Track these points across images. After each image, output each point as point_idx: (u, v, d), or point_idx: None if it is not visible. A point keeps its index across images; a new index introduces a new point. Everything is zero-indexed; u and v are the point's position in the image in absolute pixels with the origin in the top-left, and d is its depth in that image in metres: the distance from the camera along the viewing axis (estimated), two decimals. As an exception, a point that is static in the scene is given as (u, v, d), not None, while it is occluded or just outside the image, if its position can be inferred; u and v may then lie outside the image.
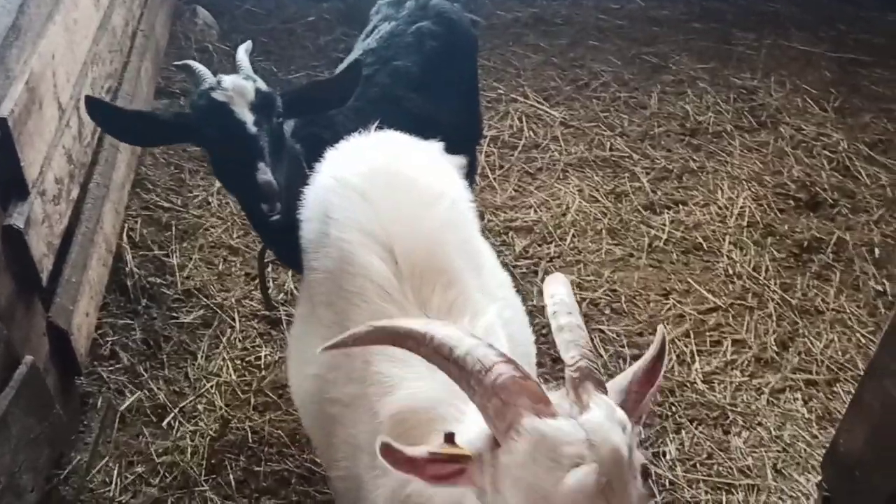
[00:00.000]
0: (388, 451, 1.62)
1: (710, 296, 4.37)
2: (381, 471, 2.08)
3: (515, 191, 5.02)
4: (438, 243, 2.43)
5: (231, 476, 3.50)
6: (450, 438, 1.68)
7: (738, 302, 4.35)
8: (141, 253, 4.40)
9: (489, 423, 1.66)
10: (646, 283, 4.43)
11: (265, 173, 2.89)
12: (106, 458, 3.54)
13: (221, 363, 3.96)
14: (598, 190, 5.02)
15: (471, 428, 1.80)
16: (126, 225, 4.48)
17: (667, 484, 3.49)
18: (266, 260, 3.96)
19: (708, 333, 4.19)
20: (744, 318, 4.26)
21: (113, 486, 3.44)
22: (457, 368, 1.69)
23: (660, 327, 1.93)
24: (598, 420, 1.60)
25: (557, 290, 1.90)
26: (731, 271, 4.51)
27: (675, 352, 4.07)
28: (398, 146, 2.87)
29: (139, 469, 3.52)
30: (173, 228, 4.58)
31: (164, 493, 3.43)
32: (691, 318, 4.25)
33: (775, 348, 4.10)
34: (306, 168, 3.00)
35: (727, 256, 4.59)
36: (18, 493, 2.86)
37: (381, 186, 2.56)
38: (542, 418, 1.59)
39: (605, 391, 1.71)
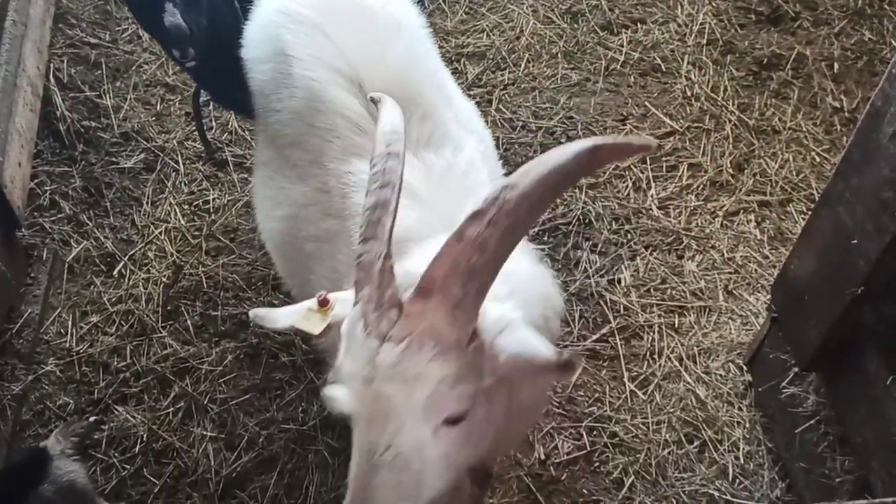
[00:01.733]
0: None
1: (667, 119, 4.28)
2: None
3: (466, 14, 4.75)
4: (407, 75, 2.33)
5: (189, 322, 3.48)
6: (324, 303, 1.72)
7: (696, 125, 4.27)
8: (71, 95, 4.13)
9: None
10: (602, 109, 4.32)
11: (173, 15, 2.62)
12: (58, 310, 3.49)
13: (168, 209, 3.84)
14: (553, 10, 4.77)
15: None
16: (52, 65, 4.18)
17: (621, 310, 3.55)
18: (202, 99, 3.75)
19: (664, 159, 4.14)
20: (700, 142, 4.20)
21: (69, 336, 3.41)
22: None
23: None
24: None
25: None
26: (689, 93, 4.40)
27: (630, 179, 4.04)
28: None
29: (94, 319, 3.48)
30: (103, 66, 4.29)
31: (121, 342, 3.41)
32: (648, 143, 4.17)
33: (731, 171, 4.08)
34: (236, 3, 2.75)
35: (685, 77, 4.46)
36: (-32, 353, 2.81)
37: (339, 19, 2.42)
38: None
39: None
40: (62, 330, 3.43)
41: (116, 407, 3.23)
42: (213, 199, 3.88)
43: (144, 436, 3.15)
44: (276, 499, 3.02)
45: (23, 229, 3.54)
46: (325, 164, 2.30)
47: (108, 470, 3.07)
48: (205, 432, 3.18)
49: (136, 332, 3.45)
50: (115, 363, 3.35)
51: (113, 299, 3.54)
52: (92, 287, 3.58)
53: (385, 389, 1.51)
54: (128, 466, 3.07)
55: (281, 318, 1.78)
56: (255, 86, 2.59)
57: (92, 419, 3.12)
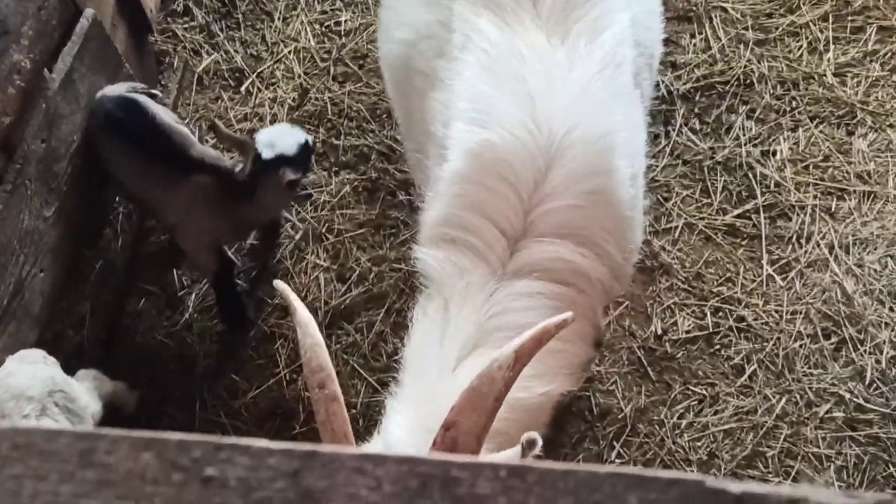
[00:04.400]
0: None
1: (862, -29, 3.69)
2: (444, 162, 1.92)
3: None
4: None
5: (315, 145, 3.39)
6: None
7: (895, -19, 3.67)
8: None
9: None
10: (786, -46, 3.76)
11: None
12: (186, 121, 3.45)
13: (299, 27, 3.68)
14: None
15: None
16: None
17: (772, 185, 3.21)
18: None
19: (850, 18, 3.60)
20: (897, 2, 3.62)
21: (194, 149, 3.39)
22: None
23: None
24: None
25: None
26: (893, -58, 3.76)
27: (807, 38, 3.55)
28: None
29: (219, 133, 3.44)
30: None
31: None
32: (834, -2, 3.64)
33: (928, 39, 3.51)
34: None
35: (892, -77, 3.80)
36: (94, 153, 2.82)
37: None
38: None
39: None
40: (188, 141, 3.42)
41: (235, 224, 3.23)
42: (346, 21, 3.69)
43: (262, 259, 3.16)
44: (382, 335, 2.99)
45: (155, 34, 3.48)
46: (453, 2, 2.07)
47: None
48: (318, 261, 3.15)
49: (259, 152, 3.40)
50: (237, 181, 3.33)
51: (239, 116, 3.48)
52: (219, 101, 3.53)
53: None
54: (244, 285, 3.10)
55: None
56: None
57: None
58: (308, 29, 3.66)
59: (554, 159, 1.81)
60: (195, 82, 3.56)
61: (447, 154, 1.92)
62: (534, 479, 0.50)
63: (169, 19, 3.66)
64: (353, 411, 2.83)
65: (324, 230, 3.21)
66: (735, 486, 0.49)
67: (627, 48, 2.01)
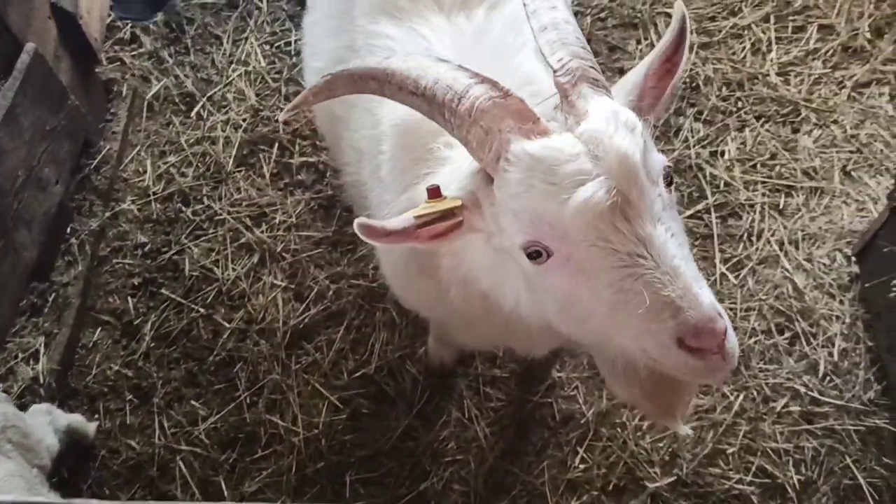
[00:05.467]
0: (368, 230, 1.42)
1: (800, -28, 3.76)
2: (383, 184, 1.91)
3: None
4: None
5: (265, 168, 3.40)
6: (435, 193, 1.45)
7: (833, -20, 3.74)
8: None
9: (475, 157, 1.44)
10: (726, -42, 3.83)
11: None
12: (137, 148, 3.46)
13: (249, 49, 3.69)
14: None
15: (460, 164, 1.57)
16: None
17: (721, 185, 3.25)
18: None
19: (791, 18, 3.67)
20: (836, 0, 3.69)
21: (146, 176, 3.38)
22: (426, 102, 1.43)
23: (678, 4, 1.57)
24: (598, 127, 1.35)
25: None
26: (829, -58, 3.84)
27: (749, 39, 3.61)
28: None
29: (171, 159, 3.43)
30: None
31: (197, 182, 3.37)
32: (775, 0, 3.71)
33: (868, 35, 3.58)
34: None
35: (828, -77, 3.88)
36: (42, 186, 2.81)
37: None
38: (532, 139, 1.35)
39: (606, 91, 1.44)
40: (140, 168, 3.41)
41: (191, 247, 3.23)
42: (296, 41, 3.70)
43: (219, 283, 3.14)
44: (342, 353, 2.99)
45: (102, 63, 3.47)
46: (355, 18, 2.07)
47: (181, 311, 3.10)
48: (275, 281, 3.15)
49: (212, 175, 3.40)
50: (192, 206, 3.32)
51: (191, 140, 3.47)
52: (171, 126, 3.52)
53: (621, 148, 1.33)
54: (201, 310, 3.09)
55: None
56: None
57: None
58: (258, 50, 3.67)
59: None
60: (145, 108, 3.55)
61: (381, 147, 1.92)
62: None
63: (116, 48, 3.64)
64: (316, 431, 2.83)
65: (280, 250, 3.21)
66: None
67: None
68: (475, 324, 1.96)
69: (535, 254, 1.39)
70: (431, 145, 1.72)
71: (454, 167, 1.63)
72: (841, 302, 2.97)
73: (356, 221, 1.43)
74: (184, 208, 3.32)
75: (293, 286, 3.14)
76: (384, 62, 1.48)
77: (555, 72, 1.42)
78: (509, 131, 1.36)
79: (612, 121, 1.35)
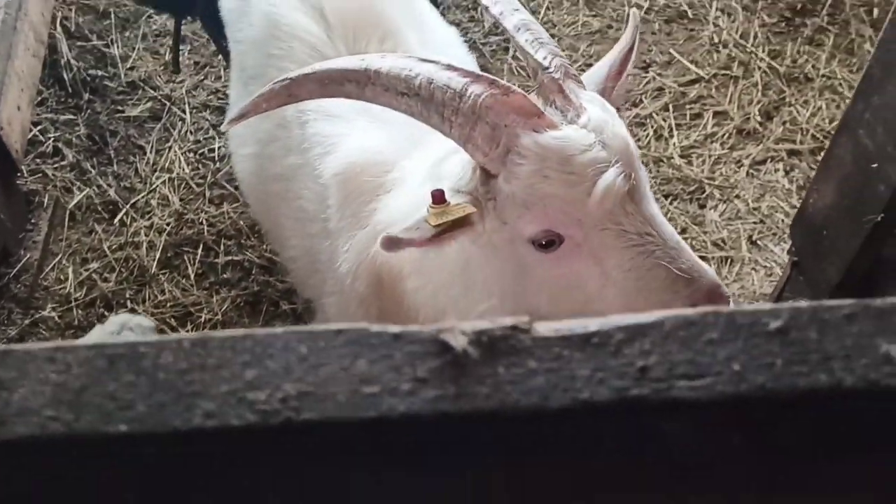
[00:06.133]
0: (391, 242, 1.45)
1: (692, 66, 4.07)
2: (334, 235, 1.96)
3: (485, -39, 4.57)
4: None
5: (189, 269, 3.41)
6: (439, 198, 1.47)
7: (723, 72, 4.05)
8: (78, 44, 4.07)
9: (477, 154, 1.47)
10: (624, 56, 4.12)
11: None
12: (59, 256, 3.44)
13: (173, 157, 3.77)
14: (575, -43, 4.57)
15: (442, 172, 1.62)
16: (59, 14, 4.12)
17: (636, 259, 3.38)
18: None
19: (688, 106, 3.94)
20: (727, 89, 3.98)
21: (68, 283, 3.36)
22: (420, 102, 1.45)
23: (633, 11, 1.75)
24: (601, 117, 1.46)
25: None
26: (716, 39, 4.18)
27: (652, 126, 3.85)
28: None
29: (94, 265, 3.42)
30: (112, 16, 4.22)
31: (120, 287, 3.35)
32: (671, 91, 3.98)
33: (759, 119, 3.86)
34: None
35: (713, 24, 4.24)
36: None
37: None
38: (541, 132, 1.42)
39: (584, 87, 1.56)
40: (61, 276, 3.39)
41: (113, 353, 3.17)
42: (219, 148, 3.80)
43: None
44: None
45: (24, 175, 3.50)
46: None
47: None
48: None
49: (136, 279, 3.39)
50: (115, 310, 3.29)
51: (114, 246, 3.48)
52: (93, 234, 3.53)
53: (623, 134, 1.47)
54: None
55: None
56: (224, 16, 2.50)
57: None
58: (182, 158, 3.75)
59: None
60: (67, 218, 3.56)
61: (328, 201, 1.97)
62: (215, 344, 0.54)
63: (38, 160, 3.69)
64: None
65: (206, 349, 3.17)
66: (394, 329, 0.54)
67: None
68: None
69: (549, 243, 1.45)
70: (380, 181, 1.79)
71: (407, 186, 1.69)
72: (759, 361, 3.05)
73: (383, 235, 1.45)
74: (106, 313, 3.29)
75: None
76: (364, 61, 1.48)
77: (545, 69, 1.51)
78: (516, 125, 1.42)
79: (607, 110, 1.45)
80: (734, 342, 0.49)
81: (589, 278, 1.47)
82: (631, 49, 1.70)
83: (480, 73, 1.47)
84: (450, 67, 1.45)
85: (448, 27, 2.52)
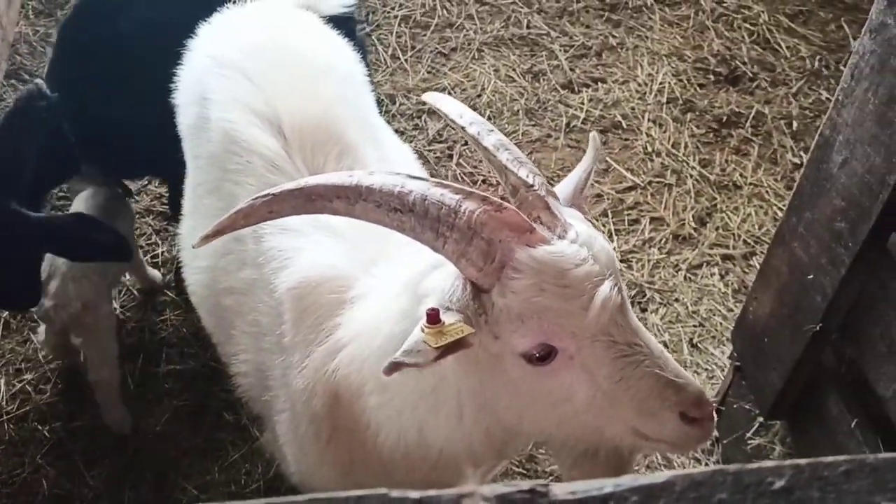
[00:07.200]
0: (394, 367, 1.44)
1: (628, 174, 4.25)
2: (288, 350, 1.93)
3: (428, 72, 4.75)
4: (330, 115, 2.24)
5: (129, 380, 3.31)
6: (434, 317, 1.45)
7: (657, 180, 4.24)
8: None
9: (470, 269, 1.48)
10: (563, 164, 4.28)
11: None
12: (-8, 367, 3.31)
13: (115, 263, 3.70)
14: (514, 69, 4.78)
15: (424, 288, 1.61)
16: None
17: (583, 363, 3.43)
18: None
19: (626, 212, 4.09)
20: (662, 196, 4.16)
21: (0, 394, 3.22)
22: (414, 218, 1.46)
23: (593, 135, 1.85)
24: (588, 232, 1.52)
25: (459, 108, 1.75)
26: (650, 149, 4.38)
27: (592, 232, 3.97)
28: (280, 17, 2.61)
29: (28, 376, 3.30)
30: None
31: (56, 399, 3.23)
32: (609, 197, 4.13)
33: (693, 224, 4.03)
34: None
35: (646, 134, 4.46)
36: None
37: (265, 63, 2.35)
38: (535, 247, 1.46)
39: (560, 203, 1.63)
40: (-7, 388, 3.25)
41: (46, 468, 3.03)
42: (162, 253, 3.76)
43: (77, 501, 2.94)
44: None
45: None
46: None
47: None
48: (140, 498, 2.97)
49: (73, 391, 3.27)
50: (50, 423, 3.16)
51: (49, 357, 3.36)
52: (28, 343, 3.41)
53: (609, 249, 1.53)
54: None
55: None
56: (182, 131, 2.53)
57: None
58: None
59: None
60: (1, 327, 3.44)
61: (282, 317, 1.94)
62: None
63: (-27, 267, 3.58)
64: None
65: (143, 464, 3.06)
66: (414, 494, 0.54)
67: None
68: (397, 468, 1.84)
69: (543, 356, 1.47)
70: (340, 297, 1.79)
71: (373, 301, 1.71)
72: (706, 465, 3.09)
73: (389, 361, 1.42)
74: (39, 427, 3.15)
75: (160, 500, 2.97)
76: (354, 177, 1.49)
77: (529, 186, 1.56)
78: (510, 240, 1.45)
79: (590, 226, 1.50)
80: (742, 503, 0.52)
81: (579, 390, 1.50)
82: (591, 170, 1.79)
83: (471, 189, 1.51)
84: (440, 184, 1.48)
85: (401, 145, 2.59)
